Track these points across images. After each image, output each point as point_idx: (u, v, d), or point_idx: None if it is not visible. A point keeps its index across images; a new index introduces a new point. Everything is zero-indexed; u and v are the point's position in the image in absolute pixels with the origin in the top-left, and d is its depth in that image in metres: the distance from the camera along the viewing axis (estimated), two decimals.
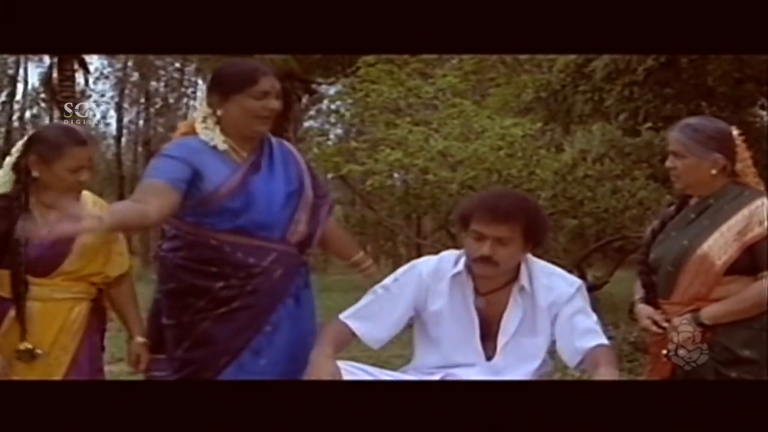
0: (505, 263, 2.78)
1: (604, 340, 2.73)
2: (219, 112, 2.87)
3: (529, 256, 2.86)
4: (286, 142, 3.11)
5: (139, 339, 3.01)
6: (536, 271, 2.85)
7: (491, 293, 2.84)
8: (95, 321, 3.00)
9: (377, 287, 2.90)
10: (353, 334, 2.83)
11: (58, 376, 2.87)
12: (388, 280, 2.91)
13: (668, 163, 2.94)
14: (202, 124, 2.90)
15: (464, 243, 2.84)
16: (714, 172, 2.86)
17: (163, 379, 2.93)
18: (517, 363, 2.79)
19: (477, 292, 2.84)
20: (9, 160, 2.90)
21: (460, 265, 2.86)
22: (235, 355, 2.87)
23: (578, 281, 2.87)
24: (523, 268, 2.83)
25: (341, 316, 2.85)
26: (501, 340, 2.81)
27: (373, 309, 2.85)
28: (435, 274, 2.86)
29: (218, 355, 2.87)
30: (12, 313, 2.83)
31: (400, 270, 2.93)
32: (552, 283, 2.83)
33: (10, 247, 2.80)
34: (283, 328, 2.91)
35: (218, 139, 2.87)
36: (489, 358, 2.82)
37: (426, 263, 2.92)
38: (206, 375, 2.86)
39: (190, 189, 2.80)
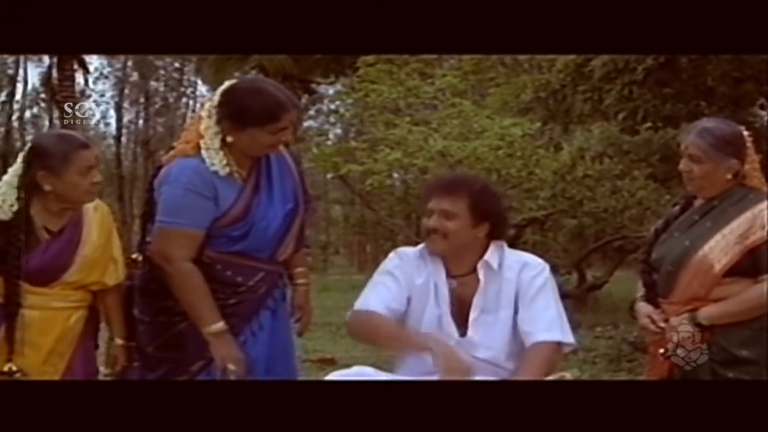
0: (454, 237, 2.82)
1: (548, 336, 2.77)
2: (229, 139, 2.82)
3: (503, 244, 2.91)
4: (280, 147, 3.02)
5: (119, 341, 2.99)
6: (506, 252, 2.90)
7: (463, 276, 2.87)
8: (91, 326, 2.98)
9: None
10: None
11: None
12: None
13: (683, 167, 2.92)
14: (205, 144, 2.84)
15: None
16: (729, 176, 2.87)
17: (138, 379, 2.92)
18: (490, 339, 2.83)
19: (448, 273, 2.89)
20: (9, 180, 2.85)
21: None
22: (207, 362, 2.85)
23: (544, 263, 2.92)
24: (491, 248, 2.88)
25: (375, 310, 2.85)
26: (472, 315, 2.84)
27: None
28: (411, 256, 2.94)
29: (190, 359, 2.86)
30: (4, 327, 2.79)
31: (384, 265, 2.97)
32: (520, 261, 2.88)
33: (8, 259, 2.77)
34: (257, 340, 2.91)
35: (221, 165, 2.82)
36: (462, 335, 2.85)
37: (401, 250, 3.00)
38: (178, 377, 2.86)
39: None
